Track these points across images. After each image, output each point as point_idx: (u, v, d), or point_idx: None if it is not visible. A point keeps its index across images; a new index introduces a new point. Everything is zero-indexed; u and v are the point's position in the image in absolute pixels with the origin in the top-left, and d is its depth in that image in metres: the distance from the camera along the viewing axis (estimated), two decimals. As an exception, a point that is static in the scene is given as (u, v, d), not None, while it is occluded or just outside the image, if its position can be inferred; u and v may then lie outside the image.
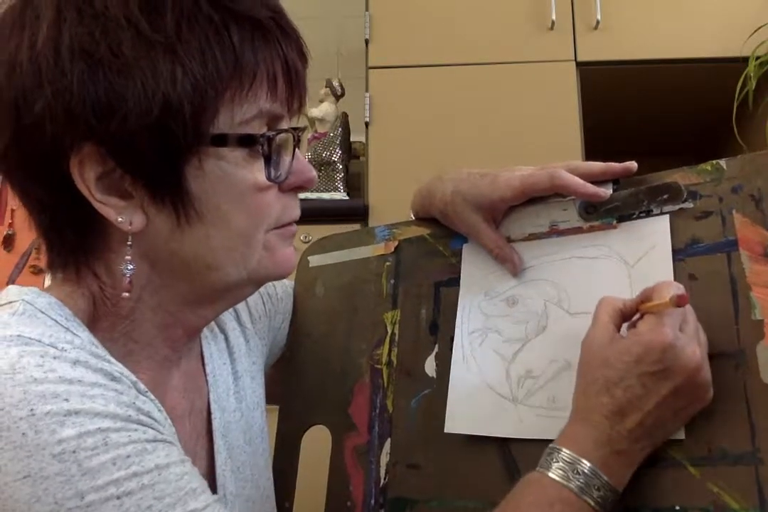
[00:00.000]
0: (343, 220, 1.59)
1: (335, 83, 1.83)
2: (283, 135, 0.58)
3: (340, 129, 1.80)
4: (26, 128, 0.53)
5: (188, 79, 0.52)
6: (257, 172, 0.56)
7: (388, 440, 0.72)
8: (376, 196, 1.62)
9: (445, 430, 0.69)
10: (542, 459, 0.58)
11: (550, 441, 0.59)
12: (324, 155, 1.76)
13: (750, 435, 0.55)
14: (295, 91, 0.58)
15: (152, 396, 0.55)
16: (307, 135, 1.83)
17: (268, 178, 0.57)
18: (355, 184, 1.79)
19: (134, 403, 0.51)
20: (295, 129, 0.60)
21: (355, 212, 1.62)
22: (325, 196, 1.72)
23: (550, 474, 0.56)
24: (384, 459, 0.72)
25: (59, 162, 0.53)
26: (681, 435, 0.58)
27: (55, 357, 0.49)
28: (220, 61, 0.53)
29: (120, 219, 0.54)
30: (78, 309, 0.57)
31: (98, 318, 0.58)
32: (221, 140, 0.54)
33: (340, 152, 1.76)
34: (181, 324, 0.61)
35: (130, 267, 0.56)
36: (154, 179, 0.54)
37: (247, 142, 0.55)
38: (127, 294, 0.57)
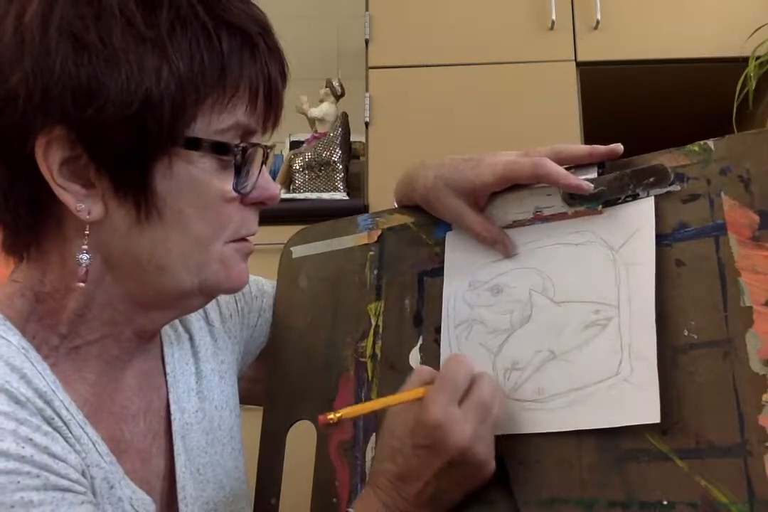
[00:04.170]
0: (343, 220, 1.59)
1: (335, 83, 1.82)
2: (253, 149, 0.58)
3: (340, 129, 1.79)
4: None
5: (173, 78, 0.52)
6: (225, 182, 0.57)
7: (374, 435, 0.71)
8: (376, 196, 1.62)
9: None
10: None
11: (540, 435, 0.58)
12: (324, 155, 1.75)
13: (739, 426, 0.53)
14: (272, 109, 0.59)
15: (62, 421, 0.53)
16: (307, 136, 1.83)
17: (235, 188, 0.57)
18: (355, 184, 1.79)
19: (31, 440, 0.50)
20: (265, 146, 0.60)
21: (355, 212, 1.59)
22: (325, 196, 1.72)
23: None
24: (369, 454, 0.70)
25: (25, 139, 0.52)
26: (656, 418, 0.55)
27: None
28: (207, 67, 0.54)
29: (78, 207, 0.54)
30: (13, 311, 0.57)
31: (42, 317, 0.58)
32: (195, 144, 0.54)
33: (340, 152, 1.76)
34: (130, 324, 0.60)
35: (87, 256, 0.55)
36: (121, 173, 0.54)
37: (220, 149, 0.56)
38: (82, 284, 0.56)
